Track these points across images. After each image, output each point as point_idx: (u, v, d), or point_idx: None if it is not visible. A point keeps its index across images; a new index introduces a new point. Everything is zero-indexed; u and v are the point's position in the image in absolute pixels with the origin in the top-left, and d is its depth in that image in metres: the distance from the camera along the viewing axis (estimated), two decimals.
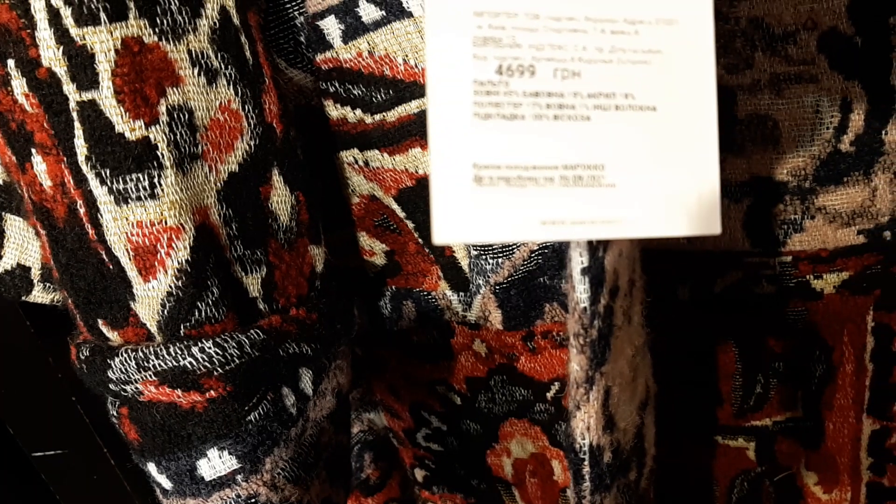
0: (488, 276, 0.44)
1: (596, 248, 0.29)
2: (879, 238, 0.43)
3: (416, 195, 0.42)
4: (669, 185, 0.24)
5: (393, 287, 0.48)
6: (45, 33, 0.28)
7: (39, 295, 0.41)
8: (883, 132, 0.40)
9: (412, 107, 0.40)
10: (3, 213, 0.41)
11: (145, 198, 0.30)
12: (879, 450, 0.51)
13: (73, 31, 0.28)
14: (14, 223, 0.41)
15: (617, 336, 0.33)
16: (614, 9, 0.23)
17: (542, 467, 0.52)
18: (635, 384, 0.37)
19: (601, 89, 0.23)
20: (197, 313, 0.32)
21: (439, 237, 0.23)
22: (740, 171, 0.42)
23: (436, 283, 0.46)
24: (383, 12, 0.38)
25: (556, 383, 0.48)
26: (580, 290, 0.29)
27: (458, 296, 0.46)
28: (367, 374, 0.52)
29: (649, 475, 0.43)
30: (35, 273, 0.40)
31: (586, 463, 0.34)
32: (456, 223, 0.23)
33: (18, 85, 0.29)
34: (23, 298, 0.41)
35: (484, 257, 0.44)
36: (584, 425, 0.33)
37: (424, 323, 0.48)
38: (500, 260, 0.43)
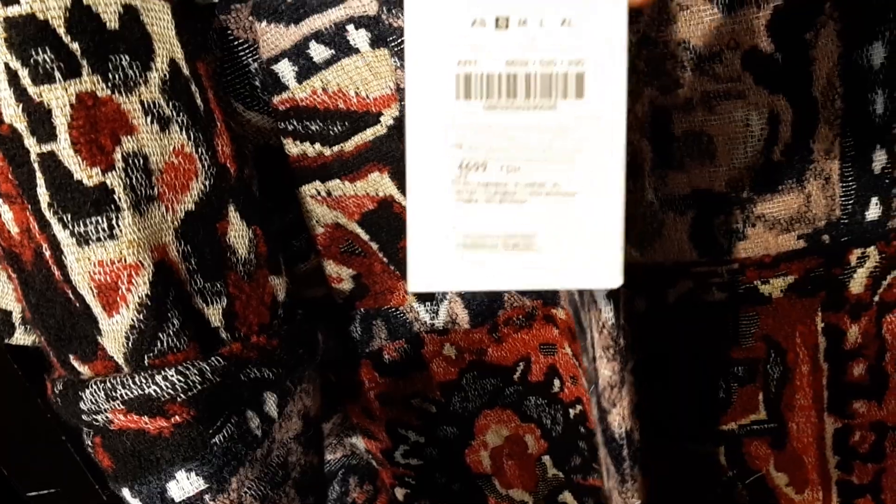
0: None
1: None
2: (819, 241, 0.44)
3: (379, 216, 0.45)
4: (583, 249, 0.31)
5: (362, 310, 0.50)
6: (4, 93, 0.30)
7: (21, 337, 0.43)
8: (811, 141, 0.42)
9: (367, 135, 0.42)
10: None
11: (105, 238, 0.32)
12: (844, 448, 0.52)
13: (31, 90, 0.30)
14: None
15: (630, 338, 0.38)
16: (551, 119, 0.30)
17: (517, 446, 0.54)
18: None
19: (535, 180, 0.30)
20: (159, 344, 0.34)
21: (413, 287, 0.30)
22: (682, 185, 0.44)
23: (403, 298, 0.48)
24: (333, 51, 0.40)
25: (520, 364, 0.50)
26: (607, 311, 0.36)
27: (425, 306, 0.48)
28: (343, 400, 0.54)
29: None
30: (16, 316, 0.42)
31: (625, 446, 0.39)
32: (425, 276, 0.30)
33: None
34: (6, 341, 0.43)
35: None
36: (620, 418, 0.38)
37: (395, 338, 0.50)
38: None
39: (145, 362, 0.34)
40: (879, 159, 0.42)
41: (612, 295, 0.35)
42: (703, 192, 0.44)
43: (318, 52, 0.41)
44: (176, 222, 0.34)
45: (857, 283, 0.46)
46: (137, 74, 0.33)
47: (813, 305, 0.47)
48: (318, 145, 0.43)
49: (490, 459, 0.55)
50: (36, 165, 0.31)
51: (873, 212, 0.43)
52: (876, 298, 0.47)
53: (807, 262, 0.45)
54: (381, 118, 0.41)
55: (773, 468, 0.54)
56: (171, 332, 0.34)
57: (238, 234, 0.37)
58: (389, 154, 0.42)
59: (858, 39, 0.39)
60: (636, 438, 0.39)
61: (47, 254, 0.33)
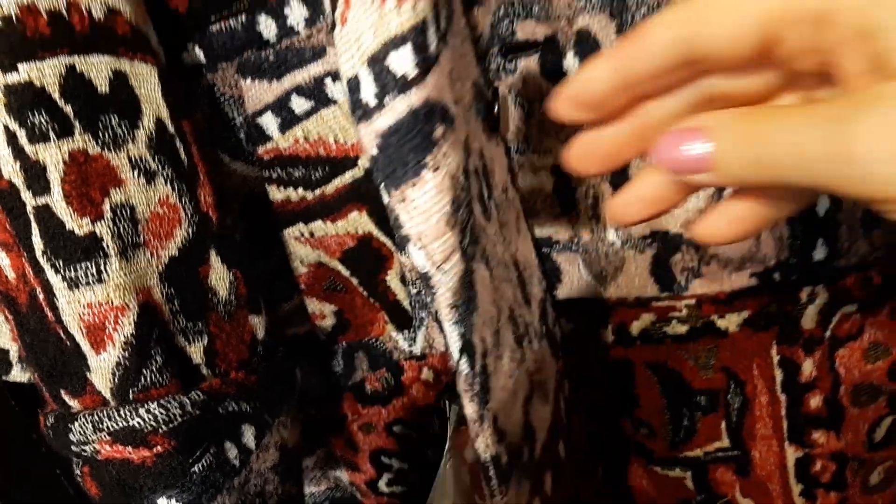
0: (430, 307, 0.49)
1: (465, 327, 0.37)
2: (770, 279, 0.47)
3: (358, 253, 0.48)
4: None
5: (344, 343, 0.52)
6: (3, 151, 0.33)
7: (18, 374, 0.45)
8: None
9: (346, 177, 0.45)
10: None
11: (94, 282, 0.35)
12: (806, 476, 0.54)
13: (28, 149, 0.33)
14: None
15: (494, 378, 0.40)
16: None
17: None
18: (516, 396, 0.43)
19: None
20: (143, 379, 0.36)
21: None
22: (641, 225, 0.47)
23: (382, 328, 0.51)
24: (312, 103, 0.43)
25: None
26: (462, 364, 0.38)
27: (403, 334, 0.51)
28: (326, 434, 0.57)
29: (545, 443, 0.48)
30: (13, 355, 0.45)
31: (491, 468, 0.41)
32: None
33: None
34: (3, 378, 0.46)
35: (423, 293, 0.49)
36: (485, 445, 0.41)
37: (376, 367, 0.52)
38: None
39: (130, 396, 0.36)
40: (823, 203, 0.45)
41: (465, 349, 0.37)
42: (661, 232, 0.47)
43: (299, 104, 0.44)
44: (160, 267, 0.37)
45: (809, 318, 0.49)
46: (126, 133, 0.36)
47: (768, 339, 0.50)
48: (300, 190, 0.46)
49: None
50: (31, 217, 0.34)
51: (820, 252, 0.46)
52: (828, 333, 0.49)
53: (760, 298, 0.48)
54: (359, 161, 0.45)
55: (738, 494, 0.56)
56: (155, 369, 0.36)
57: (219, 276, 0.40)
58: (367, 194, 0.46)
59: None
60: (504, 462, 0.42)
61: (41, 297, 0.36)
